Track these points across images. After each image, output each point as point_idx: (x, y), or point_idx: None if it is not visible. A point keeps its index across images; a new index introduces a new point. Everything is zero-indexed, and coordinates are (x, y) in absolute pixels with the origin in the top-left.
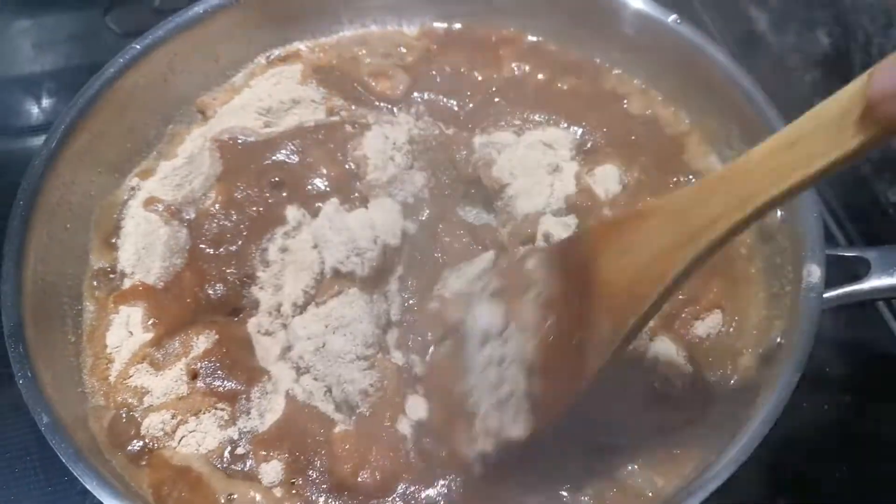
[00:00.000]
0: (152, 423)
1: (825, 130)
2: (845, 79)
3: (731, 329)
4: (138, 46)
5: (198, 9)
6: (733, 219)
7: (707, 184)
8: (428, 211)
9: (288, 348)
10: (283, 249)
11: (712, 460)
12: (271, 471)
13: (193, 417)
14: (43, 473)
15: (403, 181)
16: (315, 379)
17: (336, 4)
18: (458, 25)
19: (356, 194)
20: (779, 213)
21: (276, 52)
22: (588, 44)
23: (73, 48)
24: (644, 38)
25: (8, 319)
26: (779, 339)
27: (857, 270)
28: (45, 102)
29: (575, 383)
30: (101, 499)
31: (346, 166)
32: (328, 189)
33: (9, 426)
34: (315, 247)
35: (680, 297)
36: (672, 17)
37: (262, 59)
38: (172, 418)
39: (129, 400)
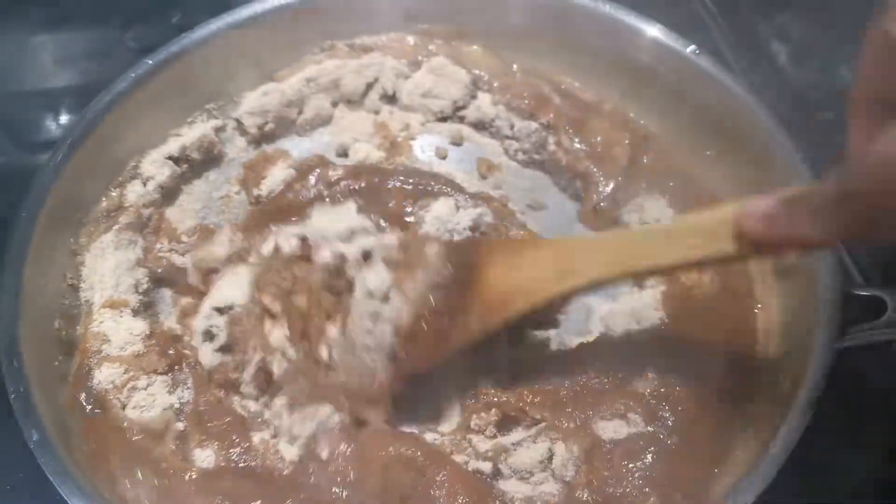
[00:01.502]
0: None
1: (698, 235)
2: None
3: None
4: (150, 61)
5: (213, 26)
6: (597, 274)
7: (596, 240)
8: None
9: None
10: None
11: None
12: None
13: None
14: (32, 491)
15: None
16: None
17: None
18: None
19: None
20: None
21: None
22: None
23: (93, 64)
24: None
25: (4, 334)
26: (789, 381)
27: (874, 310)
28: (64, 118)
29: (430, 356)
30: None
31: None
32: None
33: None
34: None
35: None
36: (691, 48)
37: None
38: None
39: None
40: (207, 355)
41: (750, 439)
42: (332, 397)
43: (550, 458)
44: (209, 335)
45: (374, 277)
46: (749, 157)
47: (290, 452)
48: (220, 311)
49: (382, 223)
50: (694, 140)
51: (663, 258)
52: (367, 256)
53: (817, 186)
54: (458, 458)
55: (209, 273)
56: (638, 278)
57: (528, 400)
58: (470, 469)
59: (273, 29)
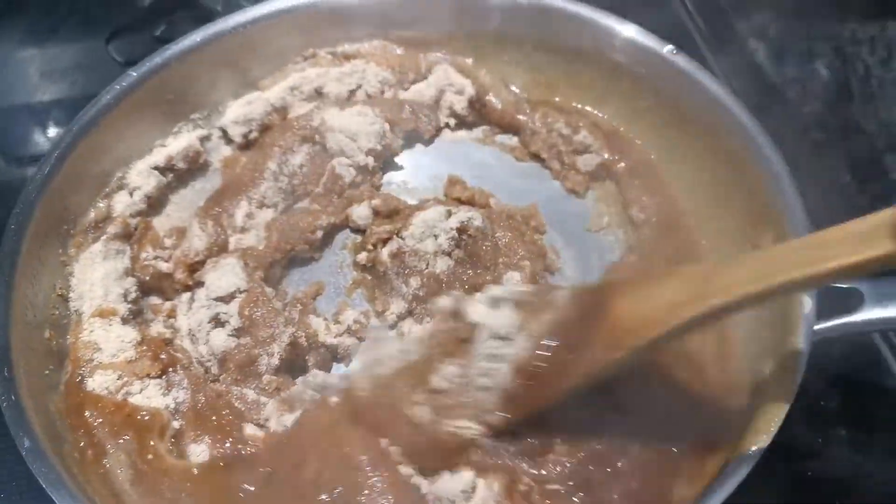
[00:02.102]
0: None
1: (853, 239)
2: (845, 110)
3: None
4: (134, 73)
5: (196, 37)
6: (747, 290)
7: (729, 260)
8: None
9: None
10: None
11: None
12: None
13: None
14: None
15: None
16: None
17: None
18: None
19: None
20: (772, 243)
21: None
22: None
23: (78, 77)
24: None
25: None
26: (768, 371)
27: (850, 303)
28: (52, 131)
29: (548, 393)
30: None
31: None
32: None
33: None
34: None
35: None
36: (668, 48)
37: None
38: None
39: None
40: (221, 340)
41: (728, 432)
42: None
43: (473, 490)
44: (219, 322)
45: (501, 319)
46: (726, 155)
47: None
48: (223, 299)
49: None
50: (667, 137)
51: (815, 267)
52: (494, 303)
53: None
54: (403, 470)
55: (194, 267)
56: (786, 294)
57: None
58: (411, 482)
59: (256, 39)
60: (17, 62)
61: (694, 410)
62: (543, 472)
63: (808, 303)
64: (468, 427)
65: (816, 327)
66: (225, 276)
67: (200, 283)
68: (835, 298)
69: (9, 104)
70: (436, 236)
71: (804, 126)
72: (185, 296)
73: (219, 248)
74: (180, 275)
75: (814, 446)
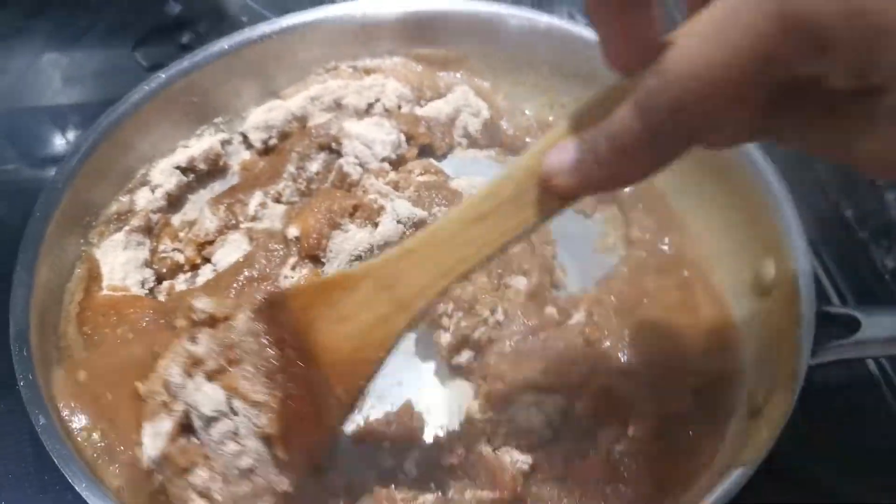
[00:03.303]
0: None
1: (509, 205)
2: None
3: None
4: (163, 76)
5: (223, 44)
6: (439, 286)
7: (410, 253)
8: None
9: None
10: None
11: None
12: None
13: None
14: (37, 481)
15: None
16: None
17: None
18: None
19: None
20: (773, 269)
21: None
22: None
23: (101, 82)
24: None
25: (15, 324)
26: (763, 395)
27: (847, 329)
28: (71, 134)
29: (317, 440)
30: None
31: None
32: None
33: (6, 433)
34: None
35: None
36: None
37: None
38: None
39: None
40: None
41: (721, 456)
42: None
43: None
44: None
45: (205, 399)
46: (731, 181)
47: None
48: None
49: None
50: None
51: (488, 246)
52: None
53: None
54: None
55: (203, 245)
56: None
57: None
58: None
59: (280, 50)
60: (41, 65)
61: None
62: None
63: (806, 327)
64: None
65: (814, 354)
66: (232, 251)
67: (208, 261)
68: (831, 324)
69: (30, 106)
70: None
71: (807, 159)
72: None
73: (229, 231)
74: (190, 252)
75: (809, 476)
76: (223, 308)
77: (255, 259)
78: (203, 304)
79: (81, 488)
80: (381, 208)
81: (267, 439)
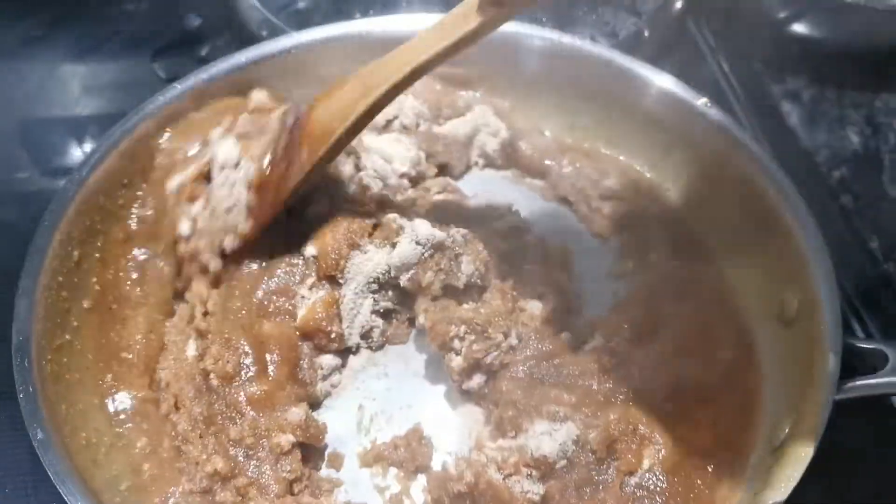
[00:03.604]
0: None
1: (458, 21)
2: (875, 177)
3: None
4: (178, 87)
5: (241, 58)
6: (395, 78)
7: (386, 58)
8: None
9: None
10: None
11: None
12: None
13: None
14: (34, 494)
15: None
16: None
17: None
18: None
19: None
20: (796, 302)
21: None
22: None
23: (119, 93)
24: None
25: (18, 334)
26: (786, 429)
27: (874, 364)
28: (88, 145)
29: (279, 196)
30: None
31: None
32: None
33: (4, 444)
34: None
35: None
36: (702, 101)
37: None
38: None
39: None
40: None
41: (745, 491)
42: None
43: None
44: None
45: (225, 151)
46: (755, 212)
47: None
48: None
49: None
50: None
51: (436, 47)
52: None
53: None
54: None
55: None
56: (425, 72)
57: None
58: None
59: (298, 64)
60: (60, 76)
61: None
62: None
63: (831, 360)
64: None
65: (840, 389)
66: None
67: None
68: (858, 359)
69: (47, 116)
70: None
71: (833, 191)
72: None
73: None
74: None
75: None
76: (268, 103)
77: (274, 273)
78: (259, 96)
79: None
80: (401, 228)
81: (249, 188)
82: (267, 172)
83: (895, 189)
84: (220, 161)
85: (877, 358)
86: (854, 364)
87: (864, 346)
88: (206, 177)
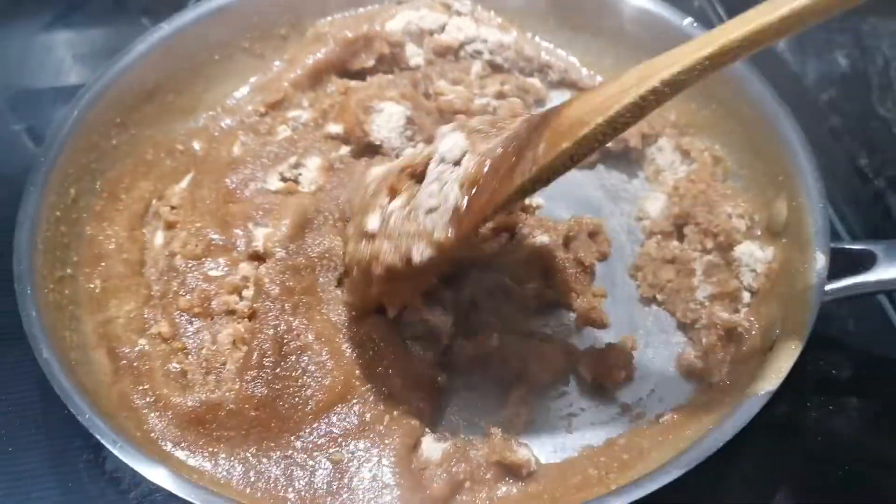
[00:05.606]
0: None
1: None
2: (863, 98)
3: None
4: (166, 26)
5: None
6: (687, 61)
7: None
8: None
9: None
10: None
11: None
12: None
13: None
14: (44, 427)
15: None
16: None
17: None
18: None
19: None
20: (786, 210)
21: None
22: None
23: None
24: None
25: (18, 263)
26: (778, 330)
27: (863, 264)
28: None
29: (491, 203)
30: (95, 434)
31: None
32: None
33: (13, 382)
34: None
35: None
36: (688, 21)
37: None
38: None
39: None
40: None
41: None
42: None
43: None
44: None
45: (449, 143)
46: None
47: None
48: None
49: None
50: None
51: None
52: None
53: None
54: None
55: None
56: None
57: None
58: None
59: None
60: (47, 44)
61: None
62: None
63: (820, 259)
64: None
65: (829, 287)
66: None
67: None
68: (846, 261)
69: (38, 86)
70: None
71: (822, 112)
72: None
73: None
74: None
75: (825, 417)
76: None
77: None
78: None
79: (84, 419)
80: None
81: (462, 186)
82: (490, 168)
83: (884, 108)
84: (441, 153)
85: (866, 258)
86: (843, 266)
87: (853, 247)
88: (416, 175)
